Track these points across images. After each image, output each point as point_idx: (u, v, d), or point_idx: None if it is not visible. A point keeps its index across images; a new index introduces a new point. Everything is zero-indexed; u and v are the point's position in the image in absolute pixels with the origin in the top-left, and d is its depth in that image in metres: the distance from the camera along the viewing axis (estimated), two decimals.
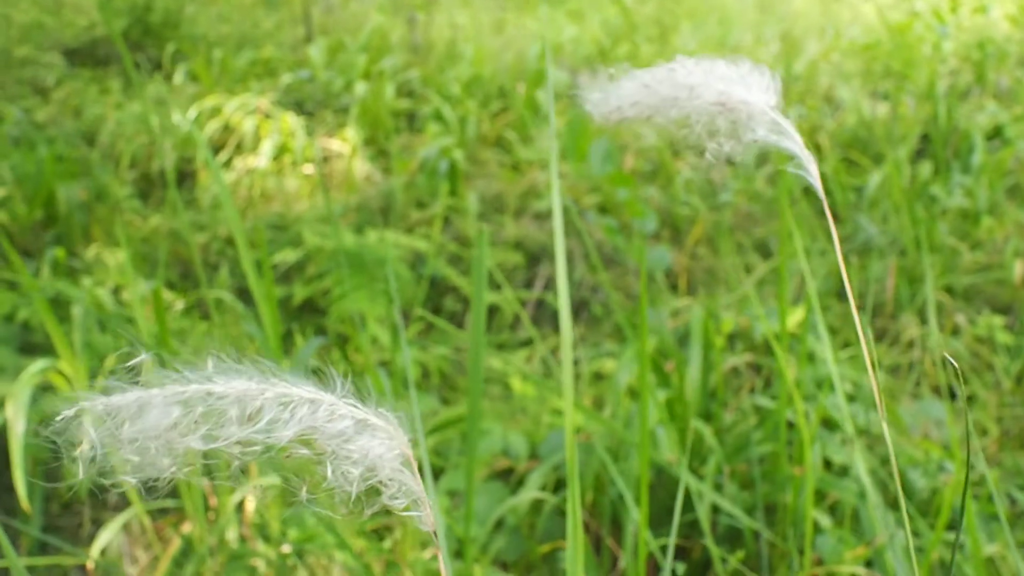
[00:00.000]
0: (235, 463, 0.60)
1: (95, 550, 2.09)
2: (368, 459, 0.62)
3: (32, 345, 2.81)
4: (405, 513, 0.63)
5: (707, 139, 0.81)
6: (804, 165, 0.79)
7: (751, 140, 0.80)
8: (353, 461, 0.61)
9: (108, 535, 2.12)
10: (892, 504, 2.19)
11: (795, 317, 2.64)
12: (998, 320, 3.06)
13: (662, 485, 2.17)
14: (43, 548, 2.27)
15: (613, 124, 0.87)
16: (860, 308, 3.27)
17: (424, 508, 0.64)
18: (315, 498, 0.61)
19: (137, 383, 0.61)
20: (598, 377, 2.80)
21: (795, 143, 0.79)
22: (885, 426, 0.75)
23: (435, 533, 0.65)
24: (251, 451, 0.61)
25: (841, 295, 3.33)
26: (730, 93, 0.80)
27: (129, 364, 0.61)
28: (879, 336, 3.17)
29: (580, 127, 3.21)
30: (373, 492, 0.63)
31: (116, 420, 0.60)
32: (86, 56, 5.83)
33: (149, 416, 0.60)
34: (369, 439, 0.62)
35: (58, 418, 0.60)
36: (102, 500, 2.42)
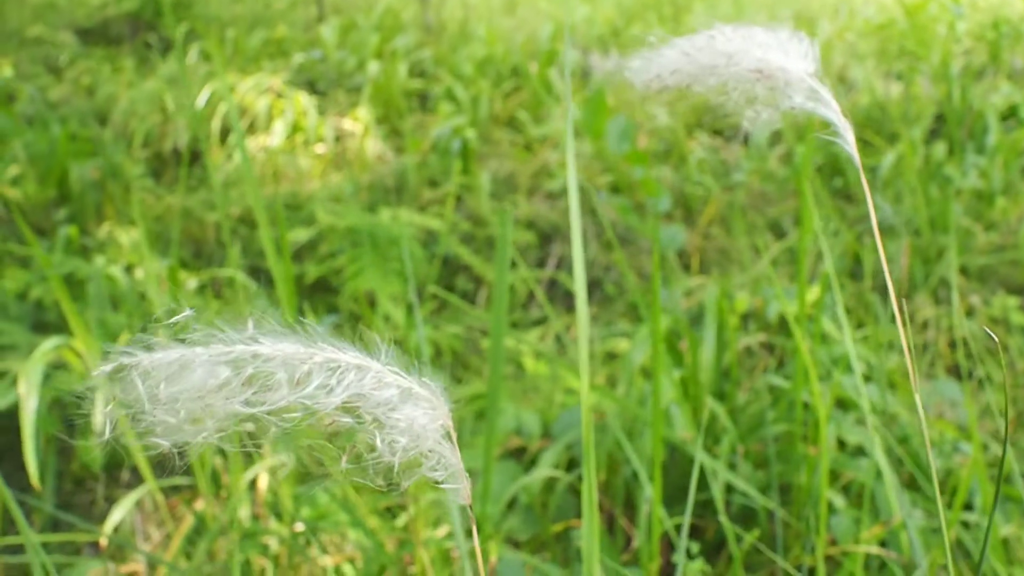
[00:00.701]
0: (274, 430, 0.58)
1: (108, 527, 2.10)
2: (413, 429, 0.60)
3: (45, 323, 2.82)
4: (444, 486, 0.62)
5: (744, 106, 0.80)
6: (841, 133, 0.78)
7: (788, 107, 0.79)
8: (400, 430, 0.60)
9: (121, 512, 2.12)
10: (907, 484, 2.18)
11: (810, 296, 2.63)
12: (1013, 301, 3.04)
13: (676, 464, 2.17)
14: (56, 525, 2.28)
15: (654, 91, 0.85)
16: (874, 289, 3.26)
17: (461, 481, 0.63)
18: (349, 468, 0.60)
19: (175, 342, 0.58)
20: (611, 356, 2.79)
21: (832, 111, 0.78)
22: (919, 400, 0.74)
23: (470, 507, 0.64)
24: (293, 417, 0.58)
25: (855, 274, 3.31)
26: (768, 60, 0.80)
27: (173, 320, 0.59)
28: (893, 316, 3.16)
29: (598, 104, 3.19)
30: (413, 464, 0.61)
31: (155, 378, 0.57)
32: (99, 36, 5.83)
33: (191, 376, 0.57)
34: (413, 408, 0.61)
35: (94, 374, 0.57)
36: (115, 477, 2.42)
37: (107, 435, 0.58)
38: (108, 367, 0.57)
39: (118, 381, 0.57)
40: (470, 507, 0.64)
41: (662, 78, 0.84)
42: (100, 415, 2.26)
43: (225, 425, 0.58)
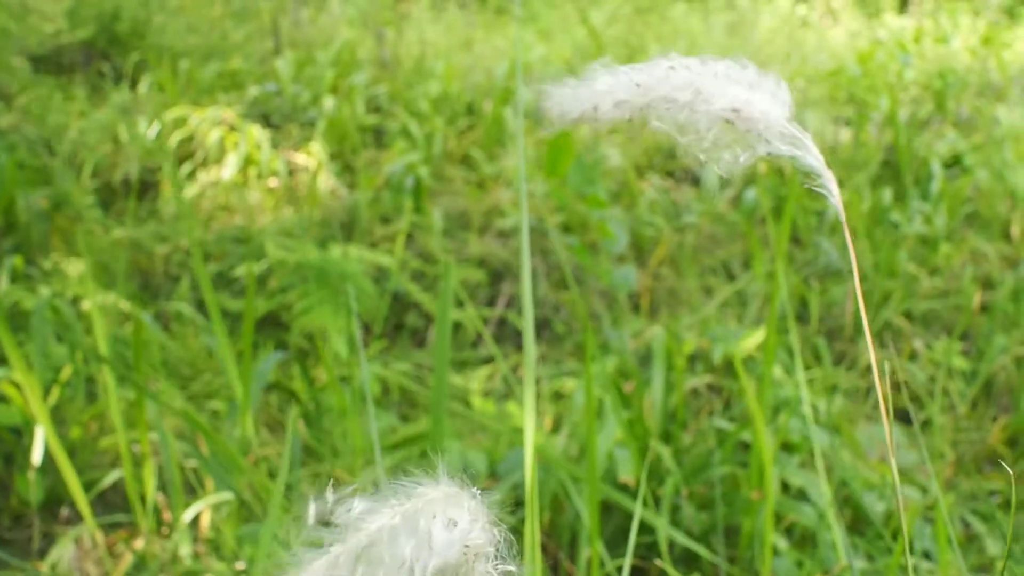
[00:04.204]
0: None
1: (46, 565, 2.06)
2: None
3: None
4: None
5: (714, 150, 0.73)
6: (825, 184, 0.73)
7: (767, 152, 0.73)
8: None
9: (59, 549, 2.09)
10: (849, 527, 2.20)
11: (755, 339, 2.65)
12: (955, 345, 3.09)
13: (620, 506, 2.17)
14: None
15: (587, 124, 0.77)
16: (820, 332, 3.30)
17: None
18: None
19: None
20: (558, 396, 2.79)
21: (815, 159, 0.73)
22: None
23: None
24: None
25: (802, 318, 3.35)
26: (746, 99, 0.72)
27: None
28: (837, 359, 3.20)
29: (563, 145, 3.21)
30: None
31: None
32: (51, 63, 5.78)
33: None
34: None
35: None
36: (53, 513, 2.39)
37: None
38: None
39: None
40: None
41: (599, 110, 0.75)
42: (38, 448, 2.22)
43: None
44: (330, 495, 0.62)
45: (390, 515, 0.61)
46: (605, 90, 0.76)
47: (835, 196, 0.73)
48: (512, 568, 0.62)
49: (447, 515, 0.61)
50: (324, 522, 0.62)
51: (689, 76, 0.74)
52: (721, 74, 0.74)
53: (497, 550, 0.62)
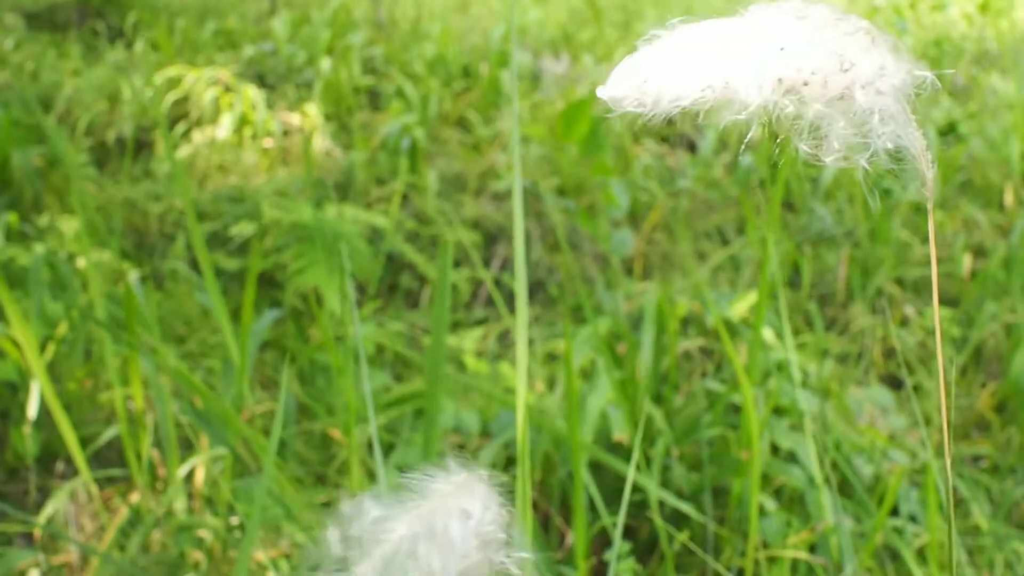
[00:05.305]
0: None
1: (42, 518, 2.08)
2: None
3: None
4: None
5: (816, 139, 0.57)
6: (924, 175, 0.63)
7: (883, 143, 0.58)
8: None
9: (55, 503, 2.11)
10: (838, 489, 2.23)
11: (746, 302, 2.67)
12: (946, 312, 3.11)
13: (612, 465, 2.19)
14: None
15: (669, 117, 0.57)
16: (811, 297, 3.32)
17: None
18: None
19: None
20: (552, 357, 2.81)
21: (919, 146, 0.61)
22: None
23: None
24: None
25: (794, 283, 3.37)
26: (892, 75, 0.58)
27: None
28: (829, 324, 3.22)
29: (580, 110, 3.20)
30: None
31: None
32: (45, 21, 5.75)
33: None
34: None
35: None
36: (49, 468, 2.40)
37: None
38: None
39: None
40: None
41: (685, 99, 0.56)
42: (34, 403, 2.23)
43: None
44: (345, 507, 0.62)
45: (408, 523, 0.61)
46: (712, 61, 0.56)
47: (930, 182, 0.63)
48: (525, 555, 0.63)
49: (460, 506, 0.62)
50: (343, 536, 0.62)
51: (822, 36, 0.56)
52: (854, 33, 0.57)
53: (509, 535, 0.63)
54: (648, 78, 0.57)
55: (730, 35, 0.58)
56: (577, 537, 1.61)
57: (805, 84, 0.56)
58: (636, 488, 2.09)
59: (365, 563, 0.60)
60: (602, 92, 0.59)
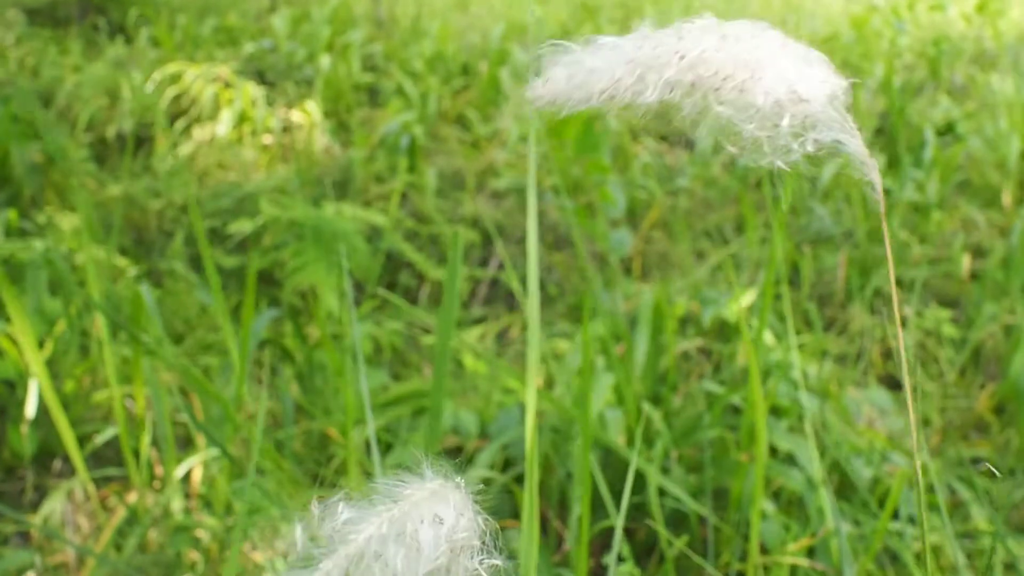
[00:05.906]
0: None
1: (38, 517, 2.08)
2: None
3: None
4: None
5: (769, 140, 0.62)
6: (869, 171, 0.66)
7: (819, 141, 0.63)
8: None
9: (51, 502, 2.10)
10: (836, 491, 2.22)
11: (744, 301, 2.67)
12: (945, 313, 3.11)
13: (610, 466, 2.19)
14: None
15: (572, 109, 0.64)
16: (810, 297, 3.31)
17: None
18: None
19: None
20: (551, 357, 2.81)
21: (859, 144, 0.66)
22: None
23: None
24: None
25: (793, 283, 3.36)
26: (802, 77, 0.62)
27: None
28: (828, 325, 3.21)
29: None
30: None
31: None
32: (46, 16, 5.74)
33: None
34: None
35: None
36: (46, 466, 2.40)
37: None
38: None
39: None
40: None
41: (608, 93, 0.63)
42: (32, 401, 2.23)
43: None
44: (315, 508, 0.62)
45: (377, 523, 0.61)
46: (619, 65, 0.63)
47: (877, 185, 0.66)
48: (498, 561, 0.63)
49: (433, 512, 0.61)
50: (312, 536, 0.62)
51: (736, 47, 0.63)
52: (763, 44, 0.63)
53: (483, 542, 0.63)
54: (569, 77, 0.65)
55: (649, 44, 0.65)
56: (581, 530, 1.61)
57: (715, 89, 0.63)
58: (636, 489, 2.08)
59: (329, 561, 0.60)
60: (530, 92, 0.66)
